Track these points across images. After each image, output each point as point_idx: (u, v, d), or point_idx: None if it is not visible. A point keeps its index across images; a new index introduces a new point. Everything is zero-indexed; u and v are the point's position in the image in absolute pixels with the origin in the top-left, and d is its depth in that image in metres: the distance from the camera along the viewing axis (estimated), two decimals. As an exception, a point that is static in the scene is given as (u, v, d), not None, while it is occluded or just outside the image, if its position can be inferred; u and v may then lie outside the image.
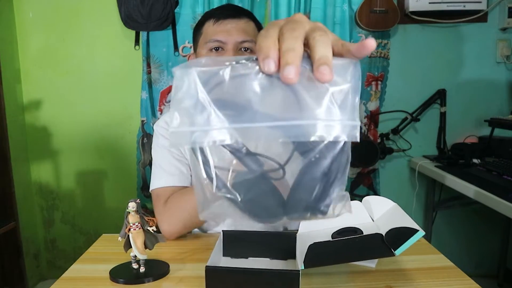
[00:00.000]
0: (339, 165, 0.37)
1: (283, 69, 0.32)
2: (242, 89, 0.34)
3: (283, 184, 0.39)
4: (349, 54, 0.36)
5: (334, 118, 0.34)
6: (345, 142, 0.36)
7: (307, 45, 0.35)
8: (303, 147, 0.37)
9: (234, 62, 0.35)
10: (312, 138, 0.34)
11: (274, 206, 0.39)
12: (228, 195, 0.38)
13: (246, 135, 0.34)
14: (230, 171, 0.38)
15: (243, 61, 0.35)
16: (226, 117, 0.34)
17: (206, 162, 0.37)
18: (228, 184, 0.38)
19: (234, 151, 0.37)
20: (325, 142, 0.35)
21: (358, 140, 0.35)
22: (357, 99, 0.35)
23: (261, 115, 0.34)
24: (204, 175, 0.37)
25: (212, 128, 0.34)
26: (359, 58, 0.36)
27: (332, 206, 0.38)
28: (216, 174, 0.37)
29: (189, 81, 0.34)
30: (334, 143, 0.36)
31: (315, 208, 0.38)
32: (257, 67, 0.34)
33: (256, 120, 0.34)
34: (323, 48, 0.34)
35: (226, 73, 0.34)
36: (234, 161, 0.38)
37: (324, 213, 0.38)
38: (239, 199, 0.38)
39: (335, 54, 0.36)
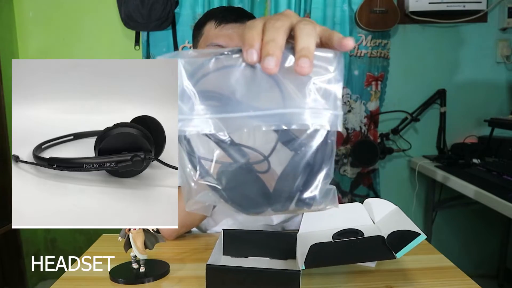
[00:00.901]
0: (323, 156, 0.37)
1: (263, 59, 0.33)
2: (226, 80, 0.35)
3: (270, 176, 0.39)
4: (333, 45, 0.36)
5: (316, 107, 0.35)
6: (328, 132, 0.36)
7: (293, 36, 0.35)
8: (286, 137, 0.37)
9: (219, 54, 0.35)
10: (294, 126, 0.35)
11: (258, 196, 0.39)
12: (212, 184, 0.38)
13: (229, 124, 0.35)
14: (214, 160, 0.38)
15: (227, 52, 0.35)
16: (210, 107, 0.35)
17: (190, 151, 0.37)
18: (212, 173, 0.38)
19: (219, 141, 0.37)
20: (308, 131, 0.36)
21: (340, 129, 0.36)
22: (340, 89, 0.36)
23: (245, 105, 0.35)
24: (189, 164, 0.38)
25: (196, 117, 0.35)
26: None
27: (317, 199, 0.38)
28: (200, 162, 0.38)
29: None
30: (316, 131, 0.36)
31: (299, 200, 0.38)
32: (241, 59, 0.35)
33: (239, 110, 0.35)
34: (305, 38, 0.34)
35: (211, 64, 0.35)
36: (218, 151, 0.38)
37: (308, 206, 0.38)
38: (222, 188, 0.38)
39: (323, 43, 0.36)
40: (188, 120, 0.35)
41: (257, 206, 0.40)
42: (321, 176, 0.37)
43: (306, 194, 0.38)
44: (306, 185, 0.37)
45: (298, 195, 0.38)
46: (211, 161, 0.38)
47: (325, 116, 0.35)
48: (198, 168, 0.38)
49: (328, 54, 0.36)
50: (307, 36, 0.34)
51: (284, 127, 0.35)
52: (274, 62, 0.33)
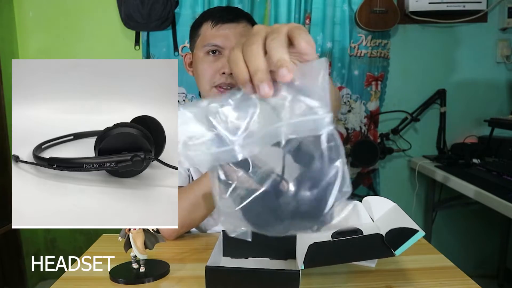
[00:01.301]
0: (330, 164, 0.38)
1: (258, 89, 0.37)
2: (239, 115, 0.39)
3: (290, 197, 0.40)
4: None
5: (310, 115, 0.37)
6: (329, 135, 0.38)
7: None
8: (294, 151, 0.39)
9: (230, 100, 0.39)
10: (291, 136, 0.37)
11: (279, 219, 0.40)
12: (237, 209, 0.40)
13: (246, 150, 0.38)
14: (234, 185, 0.40)
15: (237, 94, 0.39)
16: (228, 142, 0.39)
17: (220, 180, 0.40)
18: (236, 199, 0.40)
19: (241, 169, 0.40)
20: (310, 138, 0.38)
21: (332, 126, 0.37)
22: (327, 92, 0.38)
23: (256, 130, 0.38)
24: (219, 192, 0.41)
25: (218, 150, 0.39)
26: None
27: (336, 214, 0.39)
28: (226, 189, 0.40)
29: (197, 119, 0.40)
30: (318, 137, 0.38)
31: (320, 218, 0.39)
32: (242, 93, 0.39)
33: (252, 136, 0.38)
34: (276, 52, 0.37)
35: (225, 105, 0.39)
36: (243, 177, 0.40)
37: (330, 221, 0.39)
38: (247, 214, 0.40)
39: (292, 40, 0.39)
40: (214, 153, 0.39)
41: (279, 226, 0.41)
42: (333, 187, 0.38)
43: (325, 211, 0.38)
44: (322, 201, 0.38)
45: (320, 214, 0.38)
46: (236, 186, 0.40)
47: (322, 120, 0.37)
48: (226, 195, 0.40)
49: (311, 62, 0.38)
50: (277, 50, 0.37)
51: (288, 138, 0.37)
52: (268, 87, 0.37)
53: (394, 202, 0.72)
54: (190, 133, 0.40)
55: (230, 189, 0.40)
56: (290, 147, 0.38)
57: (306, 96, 0.37)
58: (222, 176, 0.40)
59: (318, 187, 0.38)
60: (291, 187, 0.39)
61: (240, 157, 0.38)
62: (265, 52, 0.38)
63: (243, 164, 0.39)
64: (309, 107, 0.37)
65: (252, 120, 0.38)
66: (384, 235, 0.60)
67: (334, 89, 0.67)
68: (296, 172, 0.39)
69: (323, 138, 0.38)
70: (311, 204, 0.38)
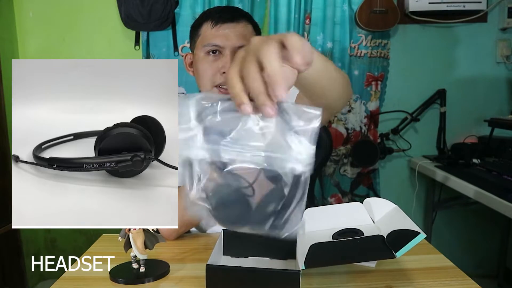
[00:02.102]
0: (295, 193, 0.43)
1: (262, 110, 0.39)
2: (226, 120, 0.42)
3: (252, 200, 0.47)
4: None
5: (295, 155, 0.41)
6: (301, 176, 0.42)
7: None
8: (270, 172, 0.44)
9: (224, 100, 0.42)
10: (277, 170, 0.42)
11: (239, 217, 0.47)
12: (203, 202, 0.45)
13: (224, 155, 0.42)
14: (204, 181, 0.45)
15: (229, 99, 0.42)
16: (211, 140, 0.42)
17: (191, 172, 0.44)
18: (204, 193, 0.45)
19: (215, 167, 0.44)
20: (287, 174, 0.42)
21: (309, 173, 0.42)
22: (315, 142, 0.41)
23: (239, 143, 0.42)
24: (188, 183, 0.45)
25: (199, 146, 0.42)
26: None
27: (286, 228, 0.44)
28: (197, 183, 0.45)
29: (187, 109, 0.43)
30: (292, 175, 0.42)
31: (272, 225, 0.45)
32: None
33: (234, 145, 0.42)
34: (269, 65, 0.38)
35: (217, 107, 0.42)
36: (214, 175, 0.44)
37: (279, 230, 0.45)
38: (211, 207, 0.45)
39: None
40: (193, 148, 0.42)
41: (237, 224, 0.47)
42: (293, 209, 0.43)
43: (278, 222, 0.44)
44: (280, 214, 0.44)
45: (272, 221, 0.44)
46: (206, 181, 0.45)
47: (300, 163, 0.41)
48: (195, 187, 0.45)
49: (313, 111, 0.41)
50: (270, 63, 0.38)
51: (269, 168, 0.42)
52: (272, 109, 0.39)
53: (394, 202, 0.72)
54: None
55: (201, 184, 0.44)
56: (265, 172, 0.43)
57: (294, 134, 0.40)
58: (197, 169, 0.44)
59: (277, 202, 0.44)
60: (256, 199, 0.45)
61: (223, 158, 0.42)
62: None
63: (220, 164, 0.43)
64: (292, 149, 0.41)
65: (239, 129, 0.42)
66: (385, 237, 0.60)
67: (339, 75, 0.68)
68: (264, 188, 0.45)
69: (295, 177, 0.42)
70: (267, 212, 0.44)
